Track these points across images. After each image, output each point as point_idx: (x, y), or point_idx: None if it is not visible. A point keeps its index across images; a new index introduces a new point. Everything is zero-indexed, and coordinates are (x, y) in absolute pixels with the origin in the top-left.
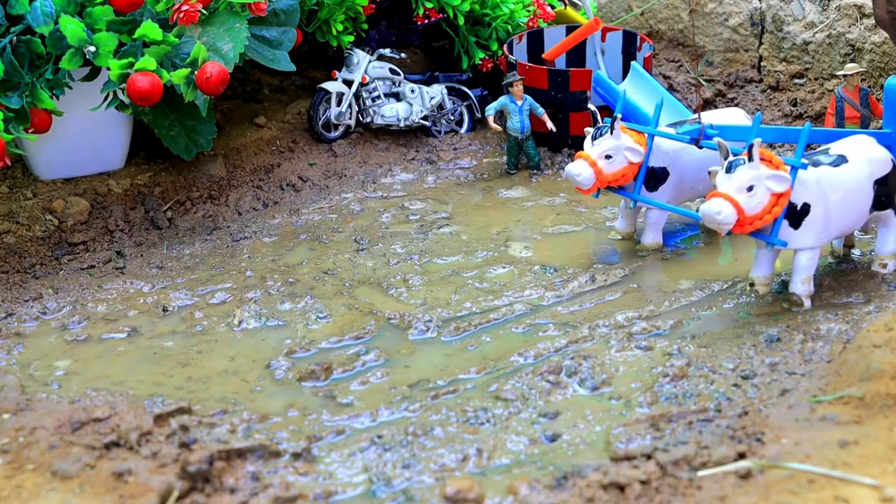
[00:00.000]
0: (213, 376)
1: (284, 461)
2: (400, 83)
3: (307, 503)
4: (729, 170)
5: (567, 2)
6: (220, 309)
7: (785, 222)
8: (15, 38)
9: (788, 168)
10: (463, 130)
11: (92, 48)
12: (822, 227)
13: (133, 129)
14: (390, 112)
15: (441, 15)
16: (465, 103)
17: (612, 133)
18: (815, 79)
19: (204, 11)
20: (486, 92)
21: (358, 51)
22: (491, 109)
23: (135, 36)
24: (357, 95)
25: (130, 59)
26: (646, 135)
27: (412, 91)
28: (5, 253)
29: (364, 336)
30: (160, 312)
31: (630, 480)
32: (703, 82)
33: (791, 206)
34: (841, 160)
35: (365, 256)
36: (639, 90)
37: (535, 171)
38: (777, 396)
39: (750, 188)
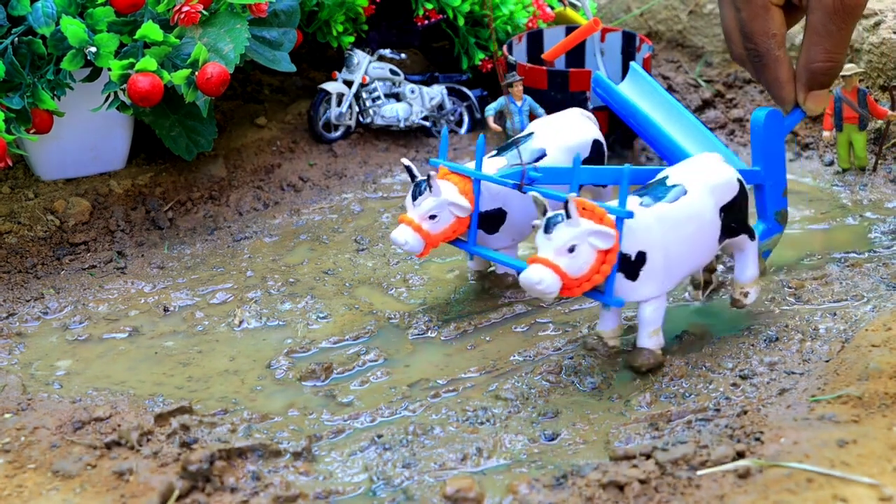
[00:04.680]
0: (213, 376)
1: (285, 461)
2: (400, 84)
3: (308, 502)
4: (547, 229)
5: (566, 2)
6: (220, 309)
7: (620, 275)
8: (16, 38)
9: (614, 219)
10: (463, 131)
11: (93, 49)
12: (664, 272)
13: (134, 129)
14: (390, 112)
15: (441, 16)
16: (464, 104)
17: (430, 190)
18: None
19: (205, 12)
20: (485, 92)
21: (358, 51)
22: (491, 110)
23: (136, 37)
24: (357, 96)
25: (131, 60)
26: (472, 180)
27: (412, 91)
28: (7, 253)
29: (364, 336)
30: (161, 312)
31: (629, 479)
32: (701, 82)
33: (624, 258)
34: (679, 193)
35: (365, 256)
36: (638, 91)
37: None
38: (776, 396)
39: (571, 249)
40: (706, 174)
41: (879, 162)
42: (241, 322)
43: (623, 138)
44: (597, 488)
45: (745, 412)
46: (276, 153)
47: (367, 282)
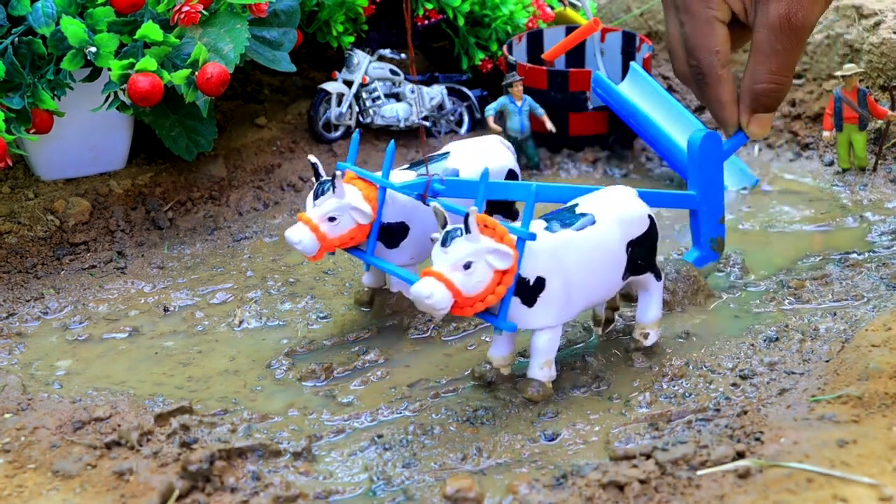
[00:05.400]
0: (213, 376)
1: (285, 460)
2: (400, 83)
3: (308, 502)
4: (445, 242)
5: (566, 2)
6: (220, 309)
7: (517, 299)
8: (16, 38)
9: (515, 239)
10: (463, 131)
11: (93, 49)
12: (563, 302)
13: (134, 129)
14: (390, 112)
15: (441, 16)
16: (464, 104)
17: (334, 191)
18: (814, 79)
19: (205, 12)
20: (485, 92)
21: (358, 51)
22: (490, 110)
23: (136, 37)
24: (357, 96)
25: (131, 60)
26: (378, 187)
27: (412, 91)
28: (7, 253)
29: (364, 336)
30: (161, 312)
31: (629, 479)
32: None
33: (522, 282)
34: (587, 222)
35: None
36: (638, 91)
37: (534, 172)
38: (776, 396)
39: (467, 265)
40: (617, 206)
41: (879, 162)
42: (241, 322)
43: (623, 138)
44: (597, 488)
45: (745, 412)
46: (276, 153)
47: None
